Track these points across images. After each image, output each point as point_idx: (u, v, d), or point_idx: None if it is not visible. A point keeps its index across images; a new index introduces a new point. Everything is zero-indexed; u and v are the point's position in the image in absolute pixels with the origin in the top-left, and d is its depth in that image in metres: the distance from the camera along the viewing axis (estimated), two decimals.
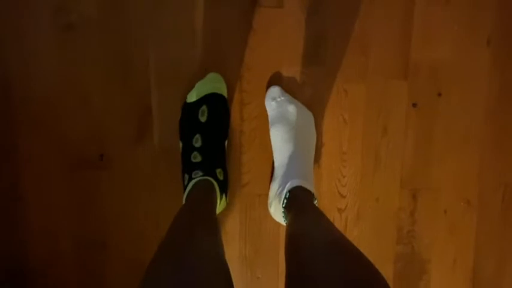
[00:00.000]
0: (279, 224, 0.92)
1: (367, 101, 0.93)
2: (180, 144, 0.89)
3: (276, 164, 0.89)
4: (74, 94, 0.89)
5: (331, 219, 0.95)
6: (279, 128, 0.88)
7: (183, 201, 0.80)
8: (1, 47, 0.87)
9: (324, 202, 0.95)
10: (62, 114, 0.90)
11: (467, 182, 0.98)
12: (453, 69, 0.92)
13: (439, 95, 0.93)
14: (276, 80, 0.91)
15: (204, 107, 0.87)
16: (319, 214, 0.72)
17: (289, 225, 0.75)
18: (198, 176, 0.82)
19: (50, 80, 0.89)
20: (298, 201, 0.79)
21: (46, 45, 0.87)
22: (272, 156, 0.90)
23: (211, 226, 0.69)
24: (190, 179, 0.83)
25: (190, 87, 0.88)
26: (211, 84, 0.88)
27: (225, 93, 0.90)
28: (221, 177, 0.86)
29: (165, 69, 0.89)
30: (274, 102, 0.89)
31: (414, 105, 0.93)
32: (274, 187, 0.87)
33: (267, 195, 0.92)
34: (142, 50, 0.88)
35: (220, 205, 0.86)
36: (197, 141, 0.86)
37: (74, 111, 0.90)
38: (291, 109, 0.88)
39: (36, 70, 0.88)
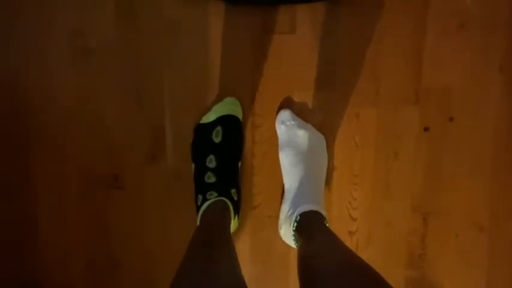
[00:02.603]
0: (289, 245, 0.92)
1: (379, 125, 0.93)
2: (193, 166, 0.91)
3: (286, 187, 0.90)
4: (90, 115, 0.92)
5: None
6: (288, 152, 0.89)
7: (198, 222, 0.81)
8: (21, 67, 0.91)
9: (335, 225, 0.95)
10: (77, 134, 0.93)
11: (479, 206, 0.97)
12: (465, 95, 0.93)
13: (451, 119, 0.94)
14: (287, 104, 0.92)
15: (218, 128, 0.89)
16: (332, 235, 0.72)
17: (301, 248, 0.76)
18: (213, 197, 0.84)
19: (66, 101, 0.92)
20: (310, 224, 0.80)
21: (64, 67, 0.90)
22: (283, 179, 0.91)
23: (228, 248, 0.70)
24: (204, 199, 0.84)
25: (203, 110, 0.91)
26: (228, 106, 0.90)
27: (240, 116, 0.92)
28: (235, 198, 0.88)
29: (179, 93, 0.92)
30: (284, 126, 0.90)
31: (426, 129, 0.94)
32: (285, 210, 0.88)
33: (277, 217, 0.92)
34: (158, 73, 0.91)
35: (233, 225, 0.87)
36: (211, 162, 0.88)
37: (89, 132, 0.93)
38: (301, 133, 0.89)
39: (54, 91, 0.92)
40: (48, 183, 0.94)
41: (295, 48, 0.90)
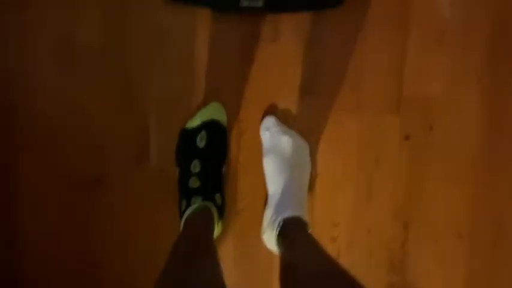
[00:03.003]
0: (272, 251, 0.93)
1: (361, 133, 0.95)
2: (177, 170, 0.91)
3: (269, 193, 0.91)
4: (75, 118, 0.93)
5: None
6: (272, 158, 0.91)
7: (181, 227, 0.82)
8: (6, 70, 0.91)
9: (317, 231, 0.96)
10: (62, 137, 0.94)
11: (459, 213, 0.99)
12: (444, 104, 0.95)
13: (431, 128, 0.96)
14: (272, 110, 0.94)
15: (203, 133, 0.90)
16: (313, 243, 0.73)
17: (283, 254, 0.77)
18: (197, 202, 0.84)
19: (51, 103, 0.93)
20: (292, 231, 0.81)
21: (49, 70, 0.91)
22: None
23: (211, 255, 0.71)
24: (188, 204, 0.85)
25: (188, 115, 0.92)
26: (212, 111, 0.92)
27: (224, 121, 0.93)
28: (219, 202, 0.89)
29: (165, 97, 0.93)
30: (268, 132, 0.91)
31: (407, 137, 0.96)
32: (268, 215, 0.89)
33: (260, 222, 0.93)
34: (144, 77, 0.92)
35: (217, 229, 0.88)
36: (195, 167, 0.88)
37: (74, 135, 0.93)
38: (285, 139, 0.90)
39: (39, 93, 0.92)
40: (31, 185, 0.94)
41: (280, 56, 0.92)
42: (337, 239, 0.98)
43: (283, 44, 0.92)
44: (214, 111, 0.92)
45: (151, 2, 0.88)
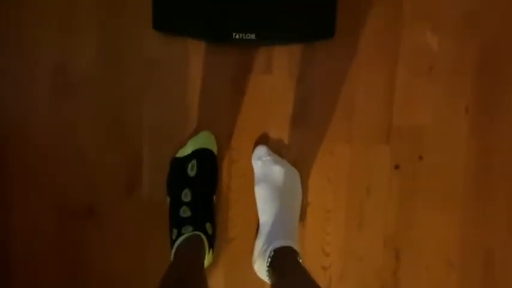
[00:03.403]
0: (263, 280, 0.93)
1: (351, 162, 0.96)
2: (168, 200, 0.91)
3: (260, 222, 0.91)
4: (68, 147, 0.93)
5: (315, 278, 0.96)
6: (264, 187, 0.91)
7: (172, 256, 0.82)
8: (2, 100, 0.91)
9: (308, 260, 0.96)
10: (54, 165, 0.93)
11: (449, 242, 1.00)
12: (434, 134, 0.97)
13: (420, 158, 0.97)
14: (263, 140, 0.95)
15: (193, 162, 0.90)
16: (304, 273, 0.73)
17: (274, 284, 0.77)
18: (188, 231, 0.84)
19: (44, 131, 0.93)
20: (283, 261, 0.81)
21: (43, 98, 0.91)
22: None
23: (201, 282, 0.72)
24: (179, 234, 0.85)
25: (180, 144, 0.92)
26: (202, 140, 0.92)
27: (215, 150, 0.93)
28: (210, 232, 0.88)
29: (157, 126, 0.93)
30: (260, 161, 0.92)
31: (396, 167, 0.97)
32: (259, 245, 0.89)
33: (252, 251, 0.93)
34: (137, 107, 0.93)
35: (207, 259, 0.88)
36: (186, 196, 0.88)
37: (66, 164, 0.93)
38: (276, 169, 0.91)
39: (33, 122, 0.92)
40: (22, 212, 0.94)
41: (271, 87, 0.93)
42: (328, 268, 0.98)
43: (275, 75, 0.93)
44: (204, 140, 0.92)
45: (144, 32, 0.89)
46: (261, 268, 0.87)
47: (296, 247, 0.83)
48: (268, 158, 0.92)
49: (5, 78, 0.91)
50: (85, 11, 0.90)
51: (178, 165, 0.91)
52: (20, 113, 0.92)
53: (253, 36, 0.83)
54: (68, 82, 0.91)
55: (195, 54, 0.91)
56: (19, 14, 0.90)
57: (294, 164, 0.94)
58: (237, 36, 0.83)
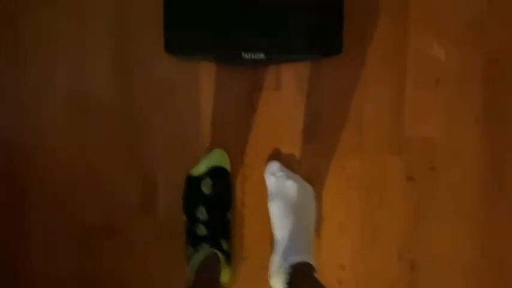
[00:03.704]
0: None
1: (363, 175, 0.97)
2: (184, 217, 0.93)
3: (276, 238, 0.91)
4: (85, 167, 0.95)
5: None
6: (278, 203, 0.92)
7: (189, 274, 0.83)
8: (20, 122, 0.94)
9: (324, 275, 0.96)
10: (71, 185, 0.95)
11: (465, 253, 0.99)
12: (445, 145, 0.97)
13: (433, 169, 0.97)
14: (275, 155, 0.96)
15: (208, 180, 0.92)
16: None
17: None
18: (204, 249, 0.85)
19: (61, 152, 0.95)
20: (300, 277, 0.81)
21: (60, 122, 0.94)
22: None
23: None
24: (195, 251, 0.86)
25: (194, 162, 0.94)
26: (216, 158, 0.93)
27: (228, 167, 0.94)
28: (226, 249, 0.90)
29: (171, 145, 0.95)
30: (273, 177, 0.93)
31: (409, 178, 0.97)
32: (275, 261, 0.89)
33: (267, 267, 0.93)
34: (151, 127, 0.95)
35: (225, 276, 0.88)
36: (202, 214, 0.90)
37: (83, 184, 0.95)
38: (290, 184, 0.92)
39: (51, 144, 0.95)
40: (41, 231, 0.96)
41: (281, 103, 0.95)
42: (344, 281, 0.98)
43: (284, 91, 0.95)
44: (218, 158, 0.94)
45: (157, 55, 0.91)
46: (277, 284, 0.87)
47: (312, 262, 0.83)
48: (281, 173, 0.93)
49: (23, 104, 0.94)
50: (99, 36, 0.93)
51: (192, 183, 0.93)
52: (38, 137, 0.94)
53: (262, 55, 0.85)
54: (83, 106, 0.93)
55: (206, 74, 0.94)
56: (36, 43, 0.93)
57: (307, 178, 0.95)
58: (246, 56, 0.85)
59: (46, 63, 0.93)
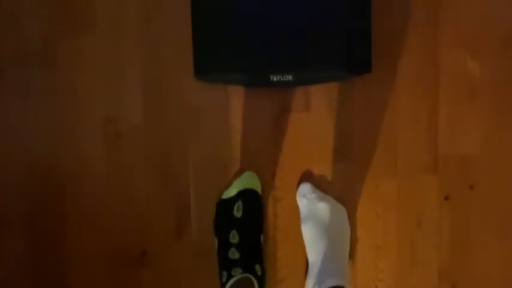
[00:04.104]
0: None
1: (399, 194, 0.94)
2: (216, 241, 0.92)
3: (310, 261, 0.90)
4: (119, 193, 0.96)
5: None
6: (311, 225, 0.90)
7: None
8: (57, 150, 0.96)
9: None
10: (107, 211, 0.97)
11: (508, 273, 0.94)
12: (483, 162, 0.94)
13: (471, 187, 0.94)
14: (307, 177, 0.95)
15: (239, 203, 0.91)
16: None
17: None
18: (238, 274, 0.85)
19: (97, 180, 0.96)
20: None
21: (96, 148, 0.96)
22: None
23: None
24: (229, 276, 0.85)
25: (226, 185, 0.94)
26: (247, 181, 0.93)
27: (259, 190, 0.94)
28: (260, 273, 0.89)
29: (202, 170, 0.96)
30: (305, 199, 0.92)
31: (446, 198, 0.94)
32: (310, 285, 0.87)
33: None
34: (183, 152, 0.95)
35: None
36: (234, 237, 0.89)
37: (118, 210, 0.96)
38: (322, 206, 0.91)
39: (86, 171, 0.96)
40: (79, 259, 0.97)
41: (311, 124, 0.94)
42: None
43: (314, 112, 0.94)
44: (248, 181, 0.93)
45: (186, 81, 0.92)
46: None
47: (348, 285, 0.81)
48: (313, 195, 0.92)
49: (61, 130, 0.96)
50: (131, 65, 0.95)
51: (224, 206, 0.93)
52: (74, 163, 0.96)
53: (290, 77, 0.85)
54: (117, 131, 0.95)
55: (235, 98, 0.94)
56: (72, 73, 0.96)
57: (339, 199, 0.94)
58: (275, 79, 0.85)
59: (82, 91, 0.96)
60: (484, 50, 0.94)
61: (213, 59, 0.88)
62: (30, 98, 0.95)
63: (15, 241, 0.96)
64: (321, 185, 0.94)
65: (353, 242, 0.94)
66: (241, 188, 0.92)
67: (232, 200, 0.92)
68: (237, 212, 0.91)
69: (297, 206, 0.93)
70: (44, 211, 0.97)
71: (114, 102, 0.95)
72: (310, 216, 0.91)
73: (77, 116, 0.96)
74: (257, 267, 0.88)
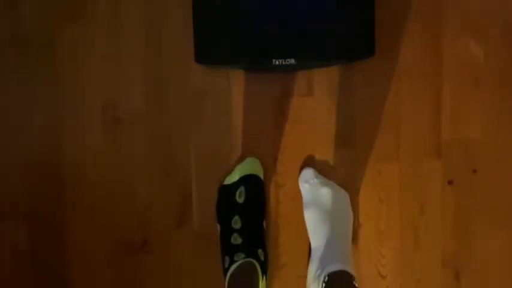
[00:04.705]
0: None
1: (402, 179, 0.94)
2: (218, 227, 0.92)
3: (312, 246, 0.90)
4: (120, 183, 0.96)
5: None
6: (313, 211, 0.90)
7: (226, 284, 0.82)
8: (56, 138, 0.96)
9: (364, 283, 0.94)
10: (108, 201, 0.96)
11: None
12: (486, 146, 0.93)
13: (474, 171, 0.93)
14: (309, 162, 0.94)
15: (241, 188, 0.91)
16: None
17: None
18: (240, 259, 0.84)
19: (98, 169, 0.96)
20: (338, 285, 0.79)
21: (96, 136, 0.95)
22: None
23: None
24: (232, 261, 0.85)
25: (228, 171, 0.93)
26: (249, 166, 0.93)
27: (261, 175, 0.93)
28: (262, 258, 0.88)
29: (204, 156, 0.95)
30: (308, 184, 0.91)
31: (450, 182, 0.94)
32: (312, 270, 0.87)
33: (305, 276, 0.92)
34: (183, 138, 0.95)
35: (261, 286, 0.87)
36: (236, 223, 0.89)
37: (119, 198, 0.96)
38: (325, 191, 0.90)
39: (86, 159, 0.96)
40: (78, 248, 0.97)
41: (314, 109, 0.94)
42: None
43: (316, 97, 0.94)
44: (251, 166, 0.93)
45: (187, 66, 0.92)
46: None
47: (351, 270, 0.81)
48: (316, 180, 0.91)
49: (61, 118, 0.96)
50: (131, 49, 0.94)
51: (226, 192, 0.92)
52: (73, 151, 0.96)
53: (292, 61, 0.84)
54: (117, 118, 0.95)
55: (236, 82, 0.93)
56: (72, 58, 0.95)
57: (342, 185, 0.93)
58: (277, 62, 0.85)
59: (81, 79, 0.95)
60: (488, 35, 0.93)
61: (215, 42, 0.87)
62: (29, 83, 0.94)
63: (16, 231, 0.96)
64: (323, 170, 0.93)
65: (356, 227, 0.94)
66: (243, 174, 0.92)
67: (235, 186, 0.91)
68: (239, 198, 0.90)
69: (300, 191, 0.93)
70: (44, 200, 0.97)
71: (114, 87, 0.95)
72: (313, 202, 0.91)
73: (76, 103, 0.95)
74: (260, 252, 0.88)
